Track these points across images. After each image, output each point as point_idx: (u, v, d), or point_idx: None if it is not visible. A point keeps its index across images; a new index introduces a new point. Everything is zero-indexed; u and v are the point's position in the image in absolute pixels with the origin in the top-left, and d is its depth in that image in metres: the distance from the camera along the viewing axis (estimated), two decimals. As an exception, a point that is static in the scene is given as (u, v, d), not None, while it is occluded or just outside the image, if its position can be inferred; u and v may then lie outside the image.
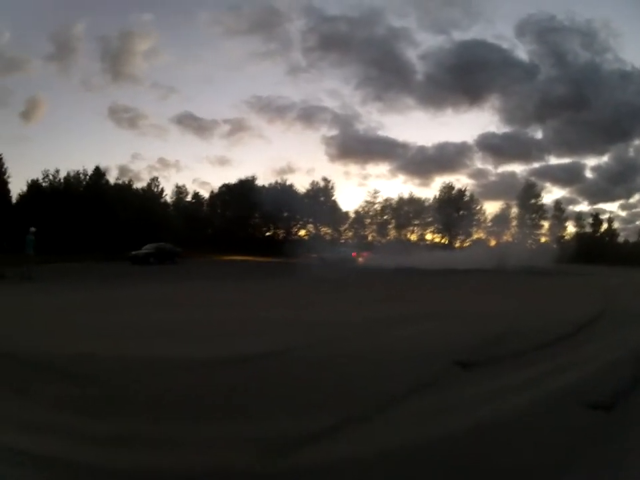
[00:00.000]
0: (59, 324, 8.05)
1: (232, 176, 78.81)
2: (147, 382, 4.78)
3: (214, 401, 4.25)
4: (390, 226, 61.98)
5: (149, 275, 21.29)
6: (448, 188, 61.57)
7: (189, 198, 61.07)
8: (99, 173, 52.62)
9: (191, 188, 69.87)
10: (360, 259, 37.77)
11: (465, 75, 67.49)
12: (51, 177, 50.96)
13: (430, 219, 60.85)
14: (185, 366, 5.37)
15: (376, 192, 62.46)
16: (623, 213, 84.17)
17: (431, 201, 61.73)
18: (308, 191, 60.03)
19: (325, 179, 60.40)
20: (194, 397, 4.34)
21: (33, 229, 18.85)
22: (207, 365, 5.44)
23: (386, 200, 62.26)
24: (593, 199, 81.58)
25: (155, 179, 58.29)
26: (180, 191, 60.33)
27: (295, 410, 4.03)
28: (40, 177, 50.71)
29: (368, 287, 18.64)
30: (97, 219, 44.46)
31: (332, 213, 58.14)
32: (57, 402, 4.13)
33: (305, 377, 5.15)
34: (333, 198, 60.64)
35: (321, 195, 59.98)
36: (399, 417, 3.88)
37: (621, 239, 61.43)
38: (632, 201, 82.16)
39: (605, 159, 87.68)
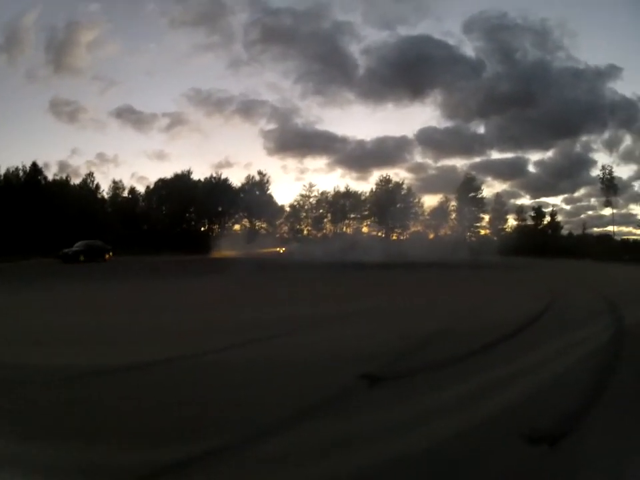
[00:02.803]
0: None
1: (170, 170, 79.30)
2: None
3: (57, 418, 3.71)
4: (326, 219, 62.40)
5: (72, 275, 20.80)
6: (385, 181, 62.15)
7: (125, 193, 60.36)
8: (36, 169, 51.64)
9: (130, 183, 69.73)
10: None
11: (408, 70, 69.47)
12: (-10, 174, 49.77)
13: (366, 212, 61.48)
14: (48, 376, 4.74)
15: (311, 185, 63.03)
16: (568, 207, 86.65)
17: (367, 195, 62.23)
18: (243, 185, 60.29)
19: (260, 173, 60.69)
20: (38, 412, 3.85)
21: None
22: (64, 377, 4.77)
23: (322, 193, 62.60)
24: (536, 193, 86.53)
25: (90, 175, 57.67)
26: (117, 187, 59.66)
27: (148, 436, 3.35)
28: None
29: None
30: (34, 216, 43.87)
31: (267, 207, 57.98)
32: None
33: (173, 393, 4.36)
34: (269, 192, 60.91)
35: (256, 189, 59.96)
36: (264, 455, 3.07)
37: (565, 232, 61.89)
38: (577, 194, 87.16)
39: (549, 154, 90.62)
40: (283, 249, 39.68)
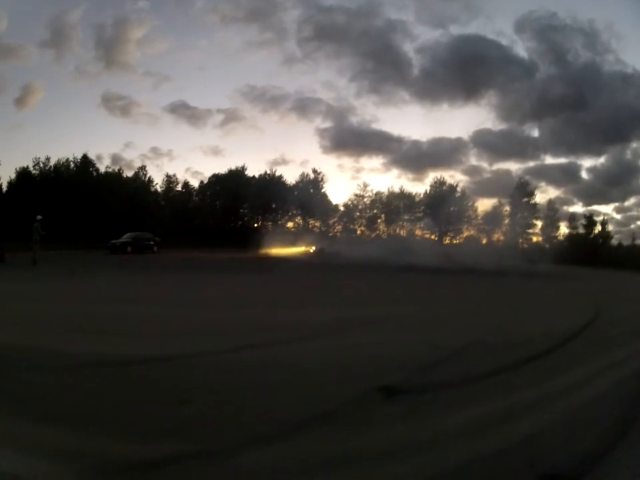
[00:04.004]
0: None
1: (224, 166, 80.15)
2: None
3: (63, 404, 3.74)
4: (380, 220, 61.57)
5: (117, 266, 21.32)
6: (439, 183, 60.96)
7: (179, 187, 60.63)
8: (86, 161, 52.41)
9: (183, 177, 70.09)
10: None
11: (461, 70, 67.45)
12: (41, 165, 50.90)
13: (420, 214, 60.25)
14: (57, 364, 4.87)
15: (365, 185, 62.10)
16: (618, 216, 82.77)
17: (421, 196, 61.12)
18: (297, 182, 59.84)
19: (314, 171, 60.19)
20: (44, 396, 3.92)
21: (39, 217, 19.51)
22: (79, 365, 4.86)
23: (376, 194, 61.80)
24: (588, 201, 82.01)
25: (142, 168, 58.06)
26: (170, 180, 59.87)
27: (141, 431, 3.31)
28: (30, 164, 50.61)
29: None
30: (84, 207, 44.49)
31: (321, 205, 57.62)
32: None
33: (180, 390, 4.28)
34: (323, 190, 60.28)
35: (311, 186, 59.57)
36: (247, 464, 2.89)
37: (614, 242, 59.85)
38: (627, 204, 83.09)
39: (601, 160, 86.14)
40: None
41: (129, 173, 57.70)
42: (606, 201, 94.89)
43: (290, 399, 4.08)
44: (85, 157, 52.49)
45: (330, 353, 5.93)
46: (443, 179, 61.23)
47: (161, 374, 4.78)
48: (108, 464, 2.78)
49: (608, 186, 64.11)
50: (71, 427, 3.28)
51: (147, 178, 57.59)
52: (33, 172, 50.34)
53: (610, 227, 59.81)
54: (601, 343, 7.30)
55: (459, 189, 60.66)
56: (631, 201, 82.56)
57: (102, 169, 54.81)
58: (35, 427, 3.26)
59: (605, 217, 61.00)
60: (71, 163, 52.28)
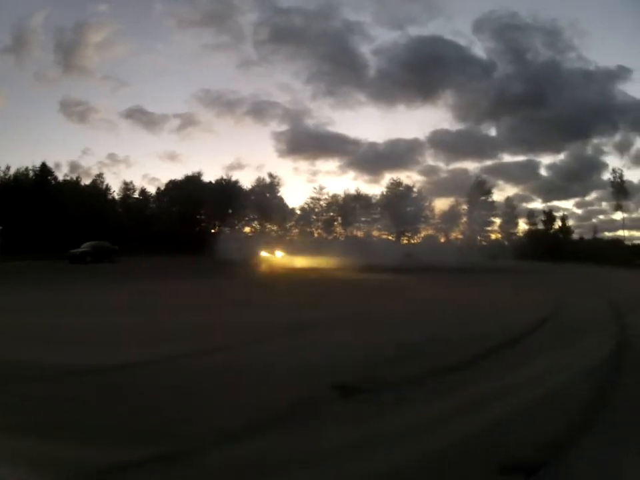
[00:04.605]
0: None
1: (181, 171, 79.90)
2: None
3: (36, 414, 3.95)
4: (336, 222, 61.66)
5: (75, 275, 21.47)
6: (395, 184, 61.56)
7: (136, 194, 60.26)
8: (45, 169, 51.96)
9: (141, 184, 69.74)
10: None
11: (419, 71, 68.71)
12: (1, 174, 50.25)
13: (377, 216, 60.53)
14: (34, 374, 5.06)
15: (321, 188, 62.35)
16: (579, 211, 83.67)
17: (378, 198, 61.60)
18: (254, 187, 59.78)
19: (270, 175, 60.25)
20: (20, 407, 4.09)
21: None
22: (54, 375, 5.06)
23: (332, 196, 62.10)
24: (547, 197, 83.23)
25: (100, 175, 57.74)
26: (127, 188, 59.53)
27: (115, 436, 3.48)
28: (-10, 173, 49.86)
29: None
30: (44, 215, 44.09)
31: (277, 209, 57.81)
32: None
33: (147, 395, 4.47)
34: (279, 194, 60.41)
35: (267, 191, 59.60)
36: (218, 467, 3.05)
37: (576, 236, 61.03)
38: (588, 198, 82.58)
39: (561, 157, 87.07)
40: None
41: (86, 181, 57.35)
42: (566, 197, 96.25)
43: (243, 402, 4.26)
44: (43, 165, 52.05)
45: (288, 354, 6.26)
46: (399, 179, 61.93)
47: (121, 381, 4.93)
48: (82, 470, 2.92)
49: (568, 181, 65.05)
50: (42, 437, 3.44)
51: (104, 186, 57.32)
52: (-6, 181, 49.55)
53: (570, 222, 61.23)
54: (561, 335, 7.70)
55: (415, 189, 61.41)
56: (592, 196, 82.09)
57: (60, 177, 54.42)
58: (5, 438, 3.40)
59: (565, 212, 62.34)
60: (30, 171, 51.80)
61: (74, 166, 71.72)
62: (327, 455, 3.23)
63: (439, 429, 3.70)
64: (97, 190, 56.23)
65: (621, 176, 54.28)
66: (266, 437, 3.51)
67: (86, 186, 56.10)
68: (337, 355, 6.18)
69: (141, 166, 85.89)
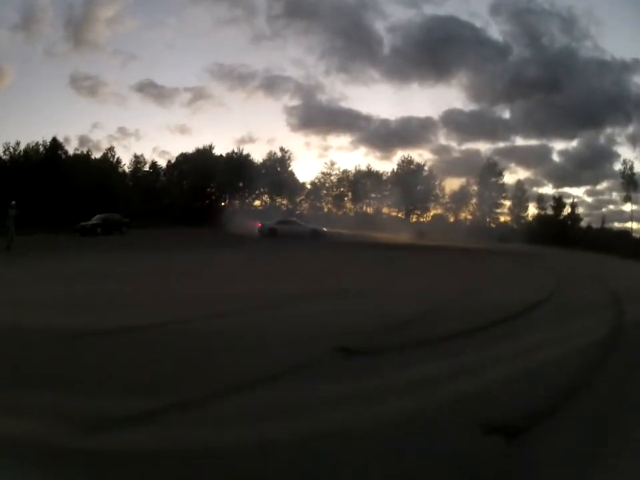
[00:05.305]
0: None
1: (192, 145, 79.29)
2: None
3: (53, 371, 4.13)
4: (346, 198, 61.76)
5: (87, 247, 21.65)
6: (407, 162, 61.13)
7: (146, 168, 60.20)
8: (56, 144, 51.73)
9: (151, 157, 69.86)
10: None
11: (433, 50, 68.35)
12: (11, 150, 50.27)
13: (387, 193, 60.25)
14: (47, 336, 5.22)
15: (332, 163, 62.30)
16: (589, 199, 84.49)
17: (389, 175, 61.42)
18: (265, 161, 59.72)
19: (282, 150, 60.19)
20: (32, 365, 4.30)
21: (13, 203, 19.65)
22: (64, 337, 5.19)
23: (343, 172, 62.02)
24: (559, 183, 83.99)
25: (110, 149, 57.64)
26: (138, 161, 59.48)
27: (130, 388, 3.72)
28: (0, 150, 49.92)
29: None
30: (54, 190, 44.29)
31: (288, 183, 57.94)
32: None
33: (156, 353, 4.76)
34: (290, 169, 60.38)
35: (278, 165, 59.56)
36: (230, 412, 3.34)
37: (584, 224, 59.65)
38: (599, 187, 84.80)
39: (573, 143, 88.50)
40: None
41: (97, 155, 57.26)
42: (577, 184, 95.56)
43: (253, 360, 4.57)
44: (54, 140, 51.76)
45: (296, 320, 6.54)
46: (411, 157, 61.48)
47: (137, 341, 5.18)
48: (96, 420, 3.09)
49: (580, 169, 64.61)
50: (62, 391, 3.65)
51: (115, 159, 57.27)
52: (4, 157, 49.70)
53: (580, 210, 60.37)
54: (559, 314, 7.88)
55: (426, 167, 61.12)
56: (603, 185, 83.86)
57: (70, 152, 54.15)
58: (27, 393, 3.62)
59: (575, 200, 61.98)
60: (40, 146, 51.64)
61: (84, 140, 71.87)
62: (321, 404, 3.52)
63: (429, 389, 3.94)
64: (108, 163, 56.19)
65: (632, 167, 53.26)
66: (271, 388, 3.83)
67: (96, 160, 56.03)
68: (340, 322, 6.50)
69: (152, 139, 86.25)
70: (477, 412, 3.47)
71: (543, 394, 3.95)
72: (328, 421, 3.22)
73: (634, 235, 53.69)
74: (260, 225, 32.56)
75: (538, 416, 3.43)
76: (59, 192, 44.50)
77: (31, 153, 51.11)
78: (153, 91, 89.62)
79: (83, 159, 53.88)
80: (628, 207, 54.36)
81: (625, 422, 3.53)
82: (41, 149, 51.71)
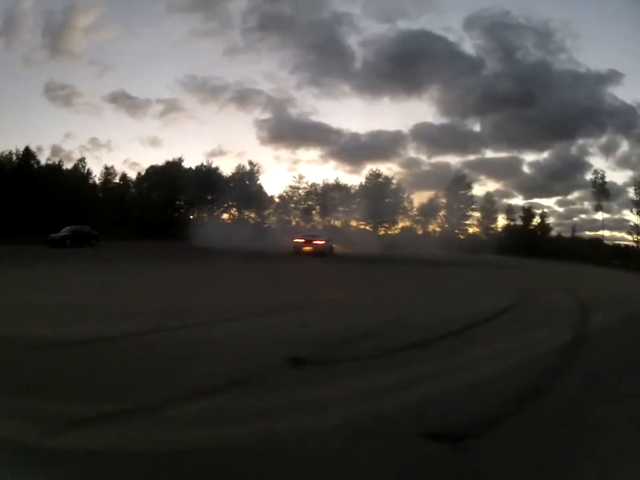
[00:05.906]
0: None
1: (163, 157, 79.65)
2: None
3: (23, 378, 4.37)
4: (314, 211, 62.15)
5: (55, 259, 21.09)
6: (374, 175, 62.06)
7: (117, 179, 60.20)
8: (28, 154, 51.71)
9: (122, 169, 69.81)
10: None
11: (405, 64, 68.83)
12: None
13: (355, 206, 60.84)
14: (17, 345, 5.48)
15: (301, 177, 62.95)
16: (561, 209, 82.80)
17: (357, 188, 61.99)
18: (233, 174, 60.18)
19: (250, 163, 60.65)
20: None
21: None
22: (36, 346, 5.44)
23: (311, 185, 62.61)
24: (529, 194, 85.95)
25: (82, 160, 57.59)
26: (108, 173, 59.52)
27: (91, 394, 3.94)
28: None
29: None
30: (26, 200, 44.09)
31: (256, 197, 58.44)
32: None
33: (119, 363, 4.96)
34: (258, 182, 60.79)
35: (246, 178, 59.99)
36: (183, 416, 3.54)
37: (554, 234, 60.91)
38: (570, 197, 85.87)
39: (545, 155, 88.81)
40: None
41: (68, 165, 57.09)
42: (548, 195, 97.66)
43: (207, 369, 4.78)
44: (27, 149, 51.82)
45: (254, 332, 6.66)
46: (379, 171, 62.39)
47: (103, 351, 5.42)
48: (62, 422, 3.33)
49: (551, 180, 65.73)
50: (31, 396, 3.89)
51: (85, 170, 57.28)
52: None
53: (551, 219, 61.64)
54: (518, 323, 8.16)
55: (394, 180, 62.03)
56: (574, 195, 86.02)
57: (43, 161, 54.05)
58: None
59: (546, 210, 62.55)
60: (13, 155, 51.66)
61: (56, 150, 71.32)
62: (268, 412, 3.71)
63: (378, 398, 4.08)
64: (79, 174, 56.21)
65: (603, 177, 54.64)
66: (220, 397, 4.03)
67: (67, 170, 55.97)
68: (300, 332, 6.73)
69: (123, 151, 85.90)
70: (425, 419, 3.63)
71: (495, 401, 4.11)
72: (265, 429, 3.36)
73: (606, 242, 55.31)
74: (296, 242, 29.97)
75: (487, 423, 3.57)
76: (30, 202, 44.30)
77: (4, 162, 51.02)
78: (125, 101, 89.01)
79: (54, 170, 53.81)
80: (599, 216, 55.71)
81: (574, 430, 3.69)
82: (14, 157, 51.76)
